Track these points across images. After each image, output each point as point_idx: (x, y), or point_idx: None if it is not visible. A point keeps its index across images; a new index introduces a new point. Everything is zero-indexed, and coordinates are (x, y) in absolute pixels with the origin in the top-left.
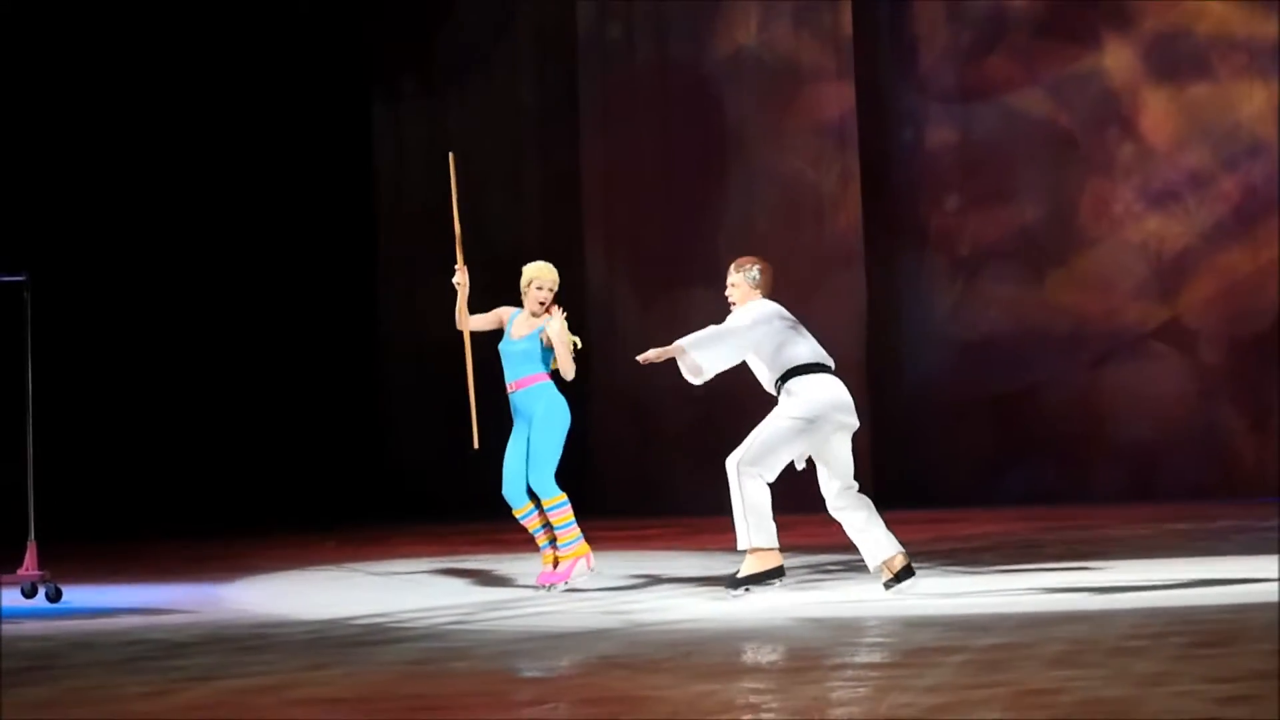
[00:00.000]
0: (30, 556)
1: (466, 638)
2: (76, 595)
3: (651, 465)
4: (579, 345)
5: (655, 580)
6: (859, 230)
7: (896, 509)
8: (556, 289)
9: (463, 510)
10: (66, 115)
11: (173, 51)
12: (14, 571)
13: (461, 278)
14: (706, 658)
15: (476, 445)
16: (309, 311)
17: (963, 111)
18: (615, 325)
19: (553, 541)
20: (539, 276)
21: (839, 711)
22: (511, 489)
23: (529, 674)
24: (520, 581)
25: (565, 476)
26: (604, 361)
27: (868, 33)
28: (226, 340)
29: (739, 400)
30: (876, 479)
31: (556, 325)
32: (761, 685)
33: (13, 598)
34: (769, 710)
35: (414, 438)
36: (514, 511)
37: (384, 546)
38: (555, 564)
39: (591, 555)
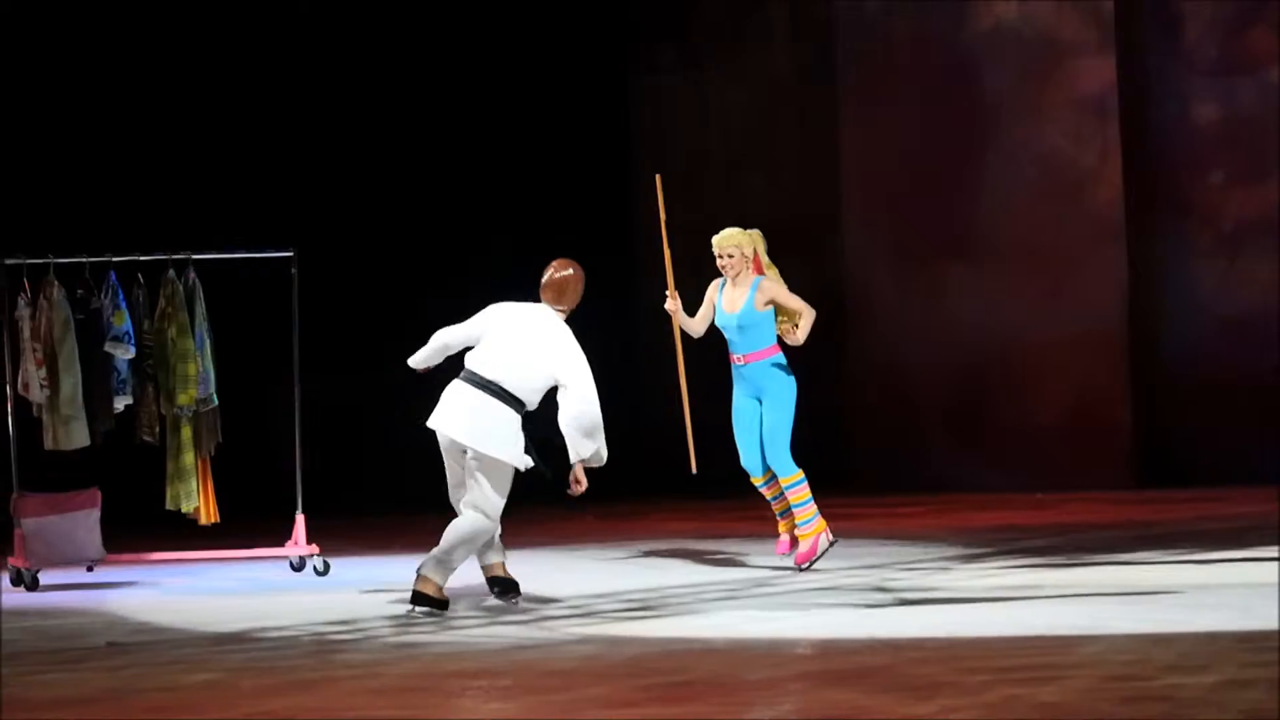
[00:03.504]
0: (299, 530)
1: (713, 620)
2: (344, 569)
3: (907, 440)
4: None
5: (913, 559)
6: (1120, 205)
7: (1156, 487)
8: (739, 253)
9: (720, 484)
10: (332, 94)
11: (433, 24)
12: (283, 545)
13: (674, 304)
14: (978, 638)
15: (695, 470)
16: None
17: (1227, 85)
18: (872, 299)
19: (787, 512)
20: (714, 245)
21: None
22: (751, 459)
23: (760, 650)
24: (773, 562)
25: (821, 452)
26: (860, 335)
27: (1130, 6)
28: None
29: (997, 375)
30: (1138, 456)
31: (770, 281)
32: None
33: (281, 571)
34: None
35: (672, 406)
36: (754, 480)
37: (644, 521)
38: (794, 542)
39: (829, 530)
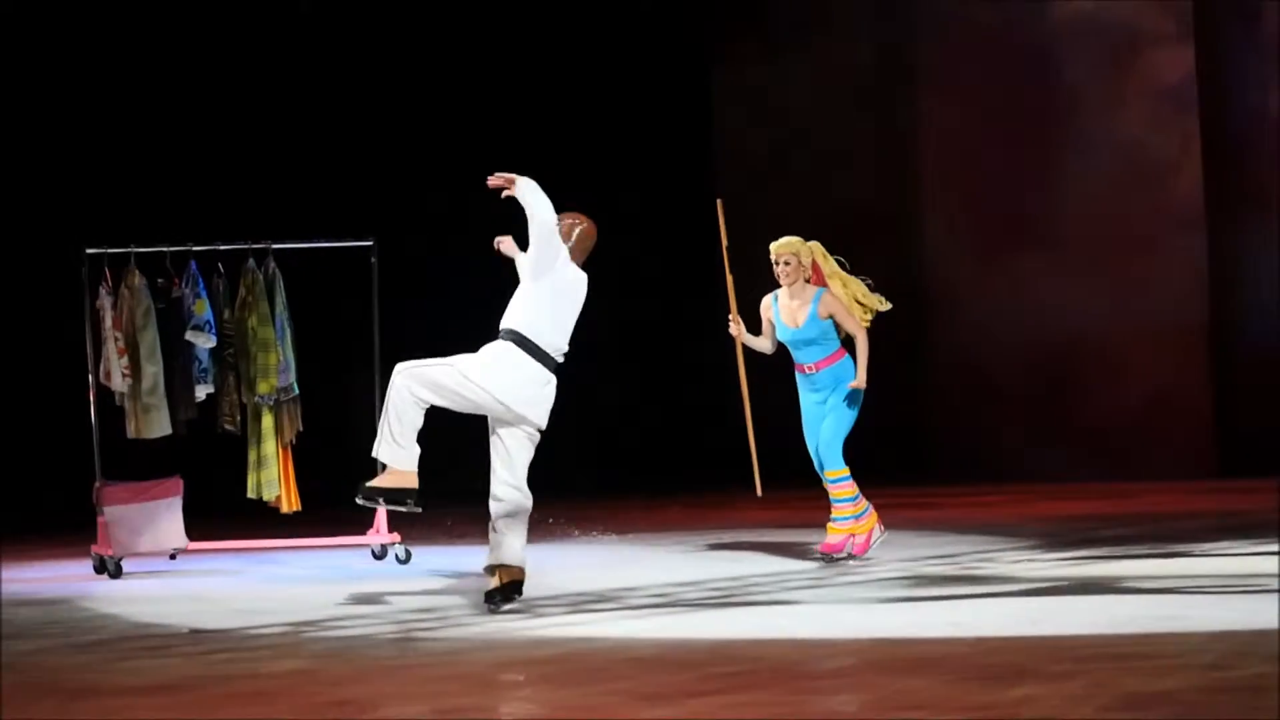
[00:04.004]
0: (380, 519)
1: (793, 609)
2: (425, 557)
3: (988, 430)
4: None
5: (994, 548)
6: (1199, 195)
7: (1237, 477)
8: (796, 260)
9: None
10: (415, 86)
11: (515, 18)
12: (365, 533)
13: (736, 328)
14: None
15: (760, 493)
16: (651, 276)
17: None
18: (952, 288)
19: (855, 516)
20: (771, 251)
21: None
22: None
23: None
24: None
25: (903, 443)
26: (941, 326)
27: None
28: None
29: (1077, 365)
30: (1218, 445)
31: (832, 295)
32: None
33: (363, 559)
34: None
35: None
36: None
37: (725, 512)
38: (867, 543)
39: (857, 536)
